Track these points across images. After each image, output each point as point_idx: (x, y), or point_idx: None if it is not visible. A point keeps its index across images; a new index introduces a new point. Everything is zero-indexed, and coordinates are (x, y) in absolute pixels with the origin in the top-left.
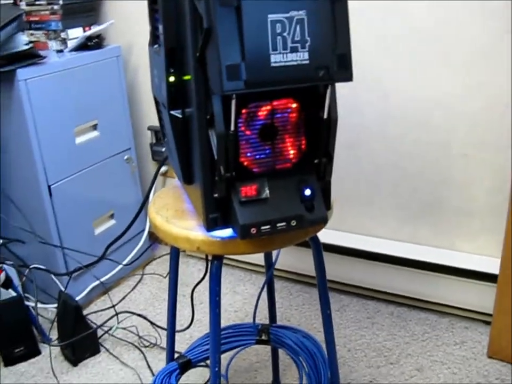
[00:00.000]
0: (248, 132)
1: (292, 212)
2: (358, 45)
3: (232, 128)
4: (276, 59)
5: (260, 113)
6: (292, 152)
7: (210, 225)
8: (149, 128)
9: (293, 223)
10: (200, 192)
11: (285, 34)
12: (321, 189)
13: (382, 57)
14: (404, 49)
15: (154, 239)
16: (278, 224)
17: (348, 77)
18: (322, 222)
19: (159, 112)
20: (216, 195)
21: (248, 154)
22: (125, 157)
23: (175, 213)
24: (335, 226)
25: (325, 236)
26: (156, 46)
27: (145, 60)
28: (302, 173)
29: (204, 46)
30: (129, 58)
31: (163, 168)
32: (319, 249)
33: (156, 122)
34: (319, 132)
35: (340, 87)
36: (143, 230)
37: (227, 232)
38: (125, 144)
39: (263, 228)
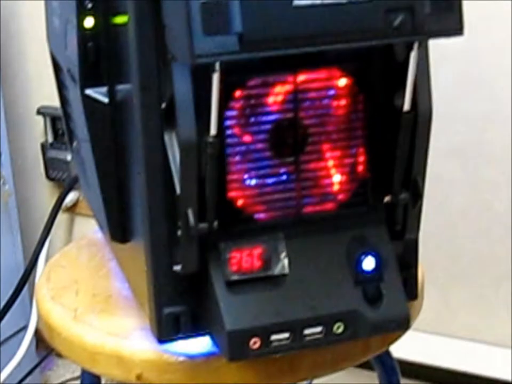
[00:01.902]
0: (246, 138)
1: (336, 306)
2: None
3: (213, 130)
4: None
5: (269, 100)
6: (337, 179)
7: (166, 330)
8: (40, 112)
9: (339, 328)
10: (145, 261)
11: None
12: (399, 258)
13: None
14: None
15: (47, 347)
16: (307, 331)
17: (454, 27)
18: (400, 326)
19: (60, 85)
20: (177, 268)
21: (246, 183)
22: None
23: (93, 301)
24: (425, 326)
25: (405, 345)
26: None
27: None
28: (359, 224)
29: None
30: None
31: (70, 197)
32: (394, 378)
33: (54, 99)
34: (394, 139)
35: (443, 47)
36: (25, 329)
37: (200, 344)
38: None
39: (275, 337)
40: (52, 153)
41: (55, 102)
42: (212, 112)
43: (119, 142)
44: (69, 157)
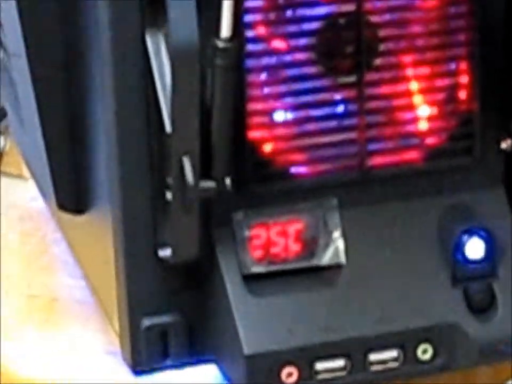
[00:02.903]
0: (279, 44)
1: (420, 317)
2: None
3: (226, 30)
4: None
5: None
6: (424, 112)
7: (146, 355)
8: None
9: (425, 352)
10: (113, 243)
11: None
12: None
13: None
14: None
15: None
16: (374, 357)
17: None
18: None
19: None
20: (165, 254)
21: (278, 118)
22: None
23: (29, 307)
24: None
25: None
26: None
27: None
28: (458, 185)
29: None
30: None
31: None
32: None
33: None
34: None
35: None
36: None
37: (200, 376)
38: None
39: (322, 366)
40: None
41: None
42: (224, 2)
43: (72, 51)
44: None
